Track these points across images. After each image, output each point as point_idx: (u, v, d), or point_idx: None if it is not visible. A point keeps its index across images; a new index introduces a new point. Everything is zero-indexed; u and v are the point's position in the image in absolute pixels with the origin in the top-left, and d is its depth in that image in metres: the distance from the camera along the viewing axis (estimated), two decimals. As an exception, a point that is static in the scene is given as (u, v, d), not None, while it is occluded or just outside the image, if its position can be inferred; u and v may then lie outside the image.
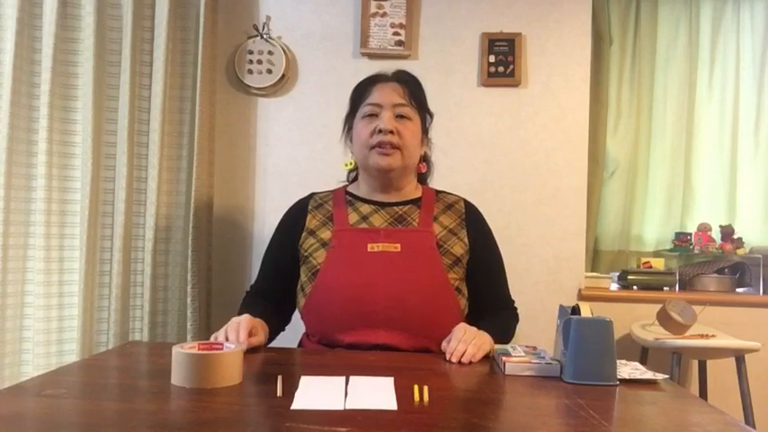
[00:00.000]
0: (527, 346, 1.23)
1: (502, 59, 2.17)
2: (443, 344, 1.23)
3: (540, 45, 2.19)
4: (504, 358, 1.10)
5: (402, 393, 0.92)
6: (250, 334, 1.21)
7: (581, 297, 2.15)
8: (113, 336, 1.96)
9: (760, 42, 2.45)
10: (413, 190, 1.49)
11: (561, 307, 1.13)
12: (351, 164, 1.54)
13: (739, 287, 2.31)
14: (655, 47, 2.47)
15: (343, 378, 0.99)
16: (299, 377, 0.99)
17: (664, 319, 1.91)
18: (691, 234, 2.37)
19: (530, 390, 0.99)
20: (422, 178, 1.56)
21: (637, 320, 2.13)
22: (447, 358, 1.18)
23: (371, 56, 2.19)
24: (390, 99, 1.40)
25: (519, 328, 1.50)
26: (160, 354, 1.18)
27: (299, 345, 1.46)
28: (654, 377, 1.06)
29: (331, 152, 2.15)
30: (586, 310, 1.08)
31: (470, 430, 0.79)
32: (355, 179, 1.55)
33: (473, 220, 1.47)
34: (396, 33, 2.17)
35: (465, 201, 1.50)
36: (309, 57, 2.23)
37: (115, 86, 2.03)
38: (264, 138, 2.23)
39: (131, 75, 1.99)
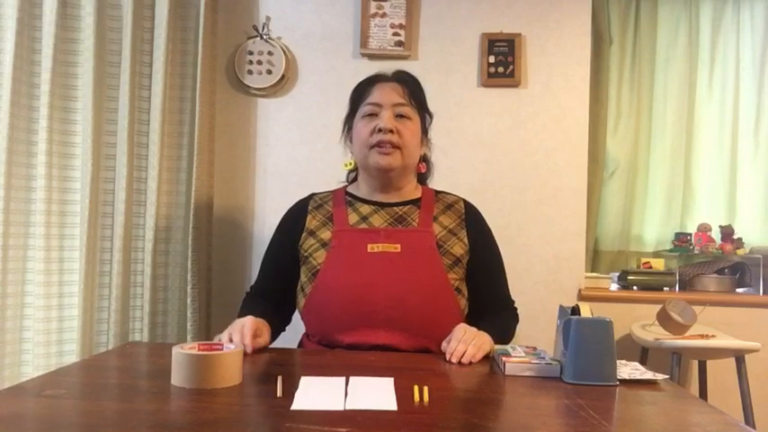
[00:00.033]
0: (527, 347, 1.23)
1: (502, 60, 2.17)
2: (443, 344, 1.23)
3: (540, 45, 2.19)
4: (504, 358, 1.10)
5: (402, 394, 0.92)
6: (255, 335, 1.21)
7: (581, 297, 2.15)
8: (113, 336, 1.96)
9: (760, 42, 2.45)
10: (412, 190, 1.49)
11: (561, 307, 1.13)
12: (350, 164, 1.54)
13: (739, 287, 2.31)
14: (655, 47, 2.48)
15: (343, 378, 0.99)
16: (299, 377, 0.99)
17: (664, 319, 1.91)
18: (691, 234, 2.37)
19: (530, 390, 0.99)
20: (421, 179, 1.56)
21: (637, 321, 2.13)
22: (447, 359, 1.18)
23: (371, 56, 2.20)
24: (390, 99, 1.40)
25: (519, 328, 1.50)
26: (160, 354, 1.18)
27: (299, 345, 1.46)
28: (654, 377, 1.06)
29: (331, 152, 2.15)
30: (586, 311, 1.08)
31: (470, 430, 0.79)
32: (355, 179, 1.55)
33: (473, 220, 1.47)
34: (396, 34, 2.17)
35: (465, 201, 1.50)
36: (309, 57, 2.23)
37: (115, 86, 2.04)
38: (264, 138, 2.23)
39: (131, 75, 1.99)
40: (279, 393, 0.91)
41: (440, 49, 2.20)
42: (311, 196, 1.52)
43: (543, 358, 1.12)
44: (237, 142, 2.23)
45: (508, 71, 2.17)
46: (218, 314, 2.14)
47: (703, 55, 2.48)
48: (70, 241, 2.00)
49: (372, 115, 1.40)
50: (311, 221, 1.45)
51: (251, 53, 2.19)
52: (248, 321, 1.22)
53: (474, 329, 1.23)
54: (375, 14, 2.18)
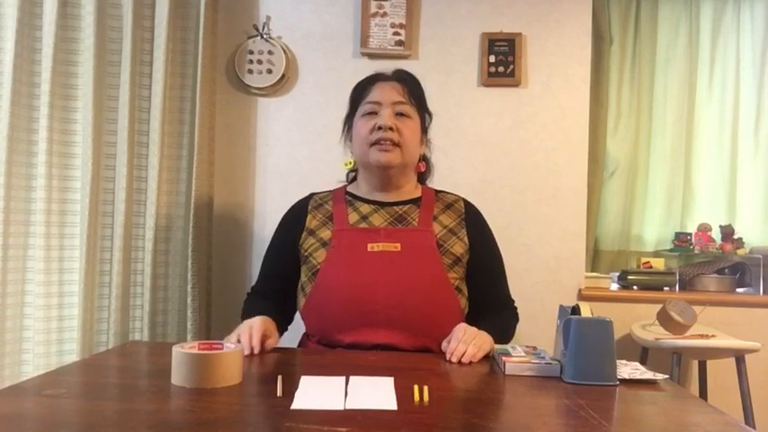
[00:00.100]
0: (527, 346, 1.23)
1: (502, 59, 2.17)
2: (443, 344, 1.23)
3: (540, 45, 2.19)
4: (504, 358, 1.10)
5: (402, 393, 0.92)
6: (265, 336, 1.21)
7: (581, 297, 2.15)
8: (113, 336, 1.96)
9: (760, 42, 2.45)
10: (412, 189, 1.49)
11: (561, 307, 1.13)
12: (350, 163, 1.54)
13: (739, 287, 2.31)
14: (655, 47, 2.47)
15: (344, 378, 0.99)
16: (299, 377, 0.99)
17: (664, 319, 1.91)
18: (691, 234, 2.37)
19: (530, 390, 0.99)
20: (421, 179, 1.56)
21: (637, 320, 2.13)
22: (447, 358, 1.18)
23: (371, 56, 2.19)
24: (390, 97, 1.40)
25: (519, 328, 1.50)
26: (160, 354, 1.18)
27: (299, 345, 1.46)
28: (654, 377, 1.06)
29: (331, 152, 2.14)
30: (586, 310, 1.08)
31: (470, 430, 0.79)
32: (355, 179, 1.55)
33: (473, 219, 1.47)
34: (396, 33, 2.17)
35: (464, 200, 1.51)
36: (309, 57, 2.23)
37: (115, 86, 2.03)
38: (264, 138, 2.23)
39: (131, 75, 1.99)
40: (279, 393, 0.91)
41: (440, 48, 2.20)
42: (311, 196, 1.52)
43: (543, 358, 1.12)
44: (237, 142, 2.23)
45: (508, 71, 2.17)
46: (218, 314, 2.14)
47: (703, 55, 2.48)
48: (70, 241, 2.00)
49: (372, 113, 1.40)
50: (311, 221, 1.45)
51: (251, 53, 2.19)
52: (257, 322, 1.22)
53: (474, 329, 1.23)
54: (375, 14, 2.18)
